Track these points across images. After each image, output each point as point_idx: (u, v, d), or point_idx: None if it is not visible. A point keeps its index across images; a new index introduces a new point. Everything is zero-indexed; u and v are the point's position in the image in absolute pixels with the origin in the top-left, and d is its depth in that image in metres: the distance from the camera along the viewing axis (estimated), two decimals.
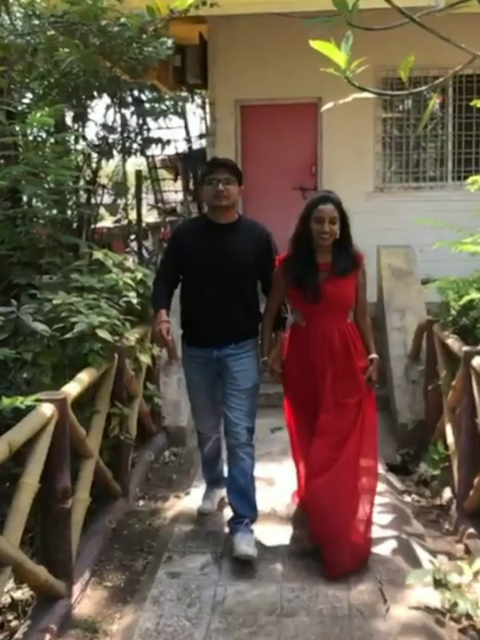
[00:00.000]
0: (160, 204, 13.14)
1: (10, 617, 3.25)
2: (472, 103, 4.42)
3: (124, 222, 10.68)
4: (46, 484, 3.16)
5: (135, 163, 13.37)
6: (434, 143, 9.42)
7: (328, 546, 3.64)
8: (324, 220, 3.57)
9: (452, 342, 4.60)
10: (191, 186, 15.50)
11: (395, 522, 4.15)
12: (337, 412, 3.68)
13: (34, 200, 5.78)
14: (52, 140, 5.32)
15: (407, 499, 4.67)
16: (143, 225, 11.33)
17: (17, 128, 4.93)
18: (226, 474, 4.14)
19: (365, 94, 2.37)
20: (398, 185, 9.24)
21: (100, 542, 3.93)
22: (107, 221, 10.47)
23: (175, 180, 16.90)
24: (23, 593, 3.39)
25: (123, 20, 5.39)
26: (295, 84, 8.60)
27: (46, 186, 4.78)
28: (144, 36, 5.74)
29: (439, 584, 3.38)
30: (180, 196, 16.54)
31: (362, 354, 3.77)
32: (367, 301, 3.89)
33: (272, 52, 8.55)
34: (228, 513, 4.06)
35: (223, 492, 4.23)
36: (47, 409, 3.17)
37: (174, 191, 16.93)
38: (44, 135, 5.36)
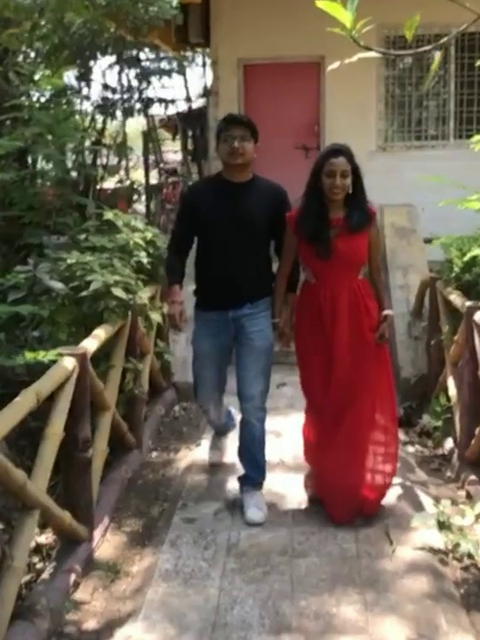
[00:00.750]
0: (161, 165, 13.12)
1: (35, 559, 3.42)
2: (477, 64, 4.46)
3: (126, 183, 10.72)
4: (68, 434, 3.31)
5: (136, 123, 13.37)
6: (436, 101, 9.44)
7: (338, 498, 3.75)
8: (336, 173, 3.46)
9: (455, 298, 4.73)
10: (190, 146, 15.50)
11: (399, 470, 4.30)
12: (348, 370, 3.65)
13: (41, 161, 5.86)
14: (61, 101, 5.36)
15: (410, 449, 4.85)
16: (140, 188, 11.39)
17: (25, 89, 4.97)
18: (231, 423, 4.36)
19: (370, 54, 2.38)
20: (400, 144, 9.28)
21: (118, 491, 4.11)
22: (109, 182, 10.51)
23: (173, 139, 16.84)
24: (46, 538, 3.56)
25: None
26: (298, 42, 8.59)
27: (55, 147, 4.85)
28: None
29: (442, 526, 3.57)
30: (178, 157, 16.53)
31: (372, 311, 3.71)
32: (379, 258, 3.84)
33: (275, 10, 8.52)
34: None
35: (226, 485, 4.19)
36: (69, 362, 3.31)
37: (173, 151, 16.89)
38: (50, 96, 5.40)
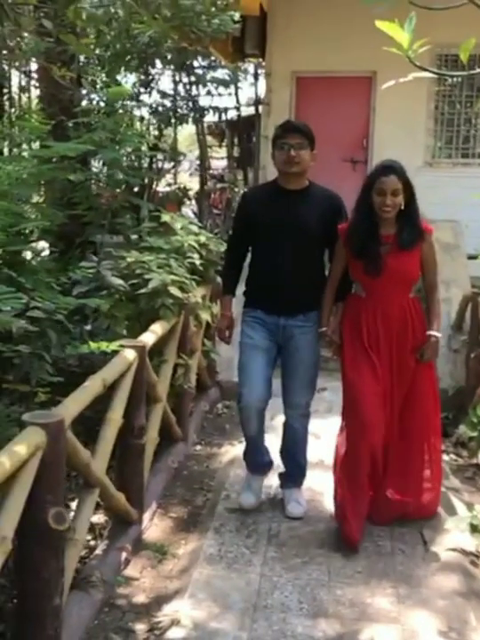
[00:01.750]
0: (210, 171, 13.41)
1: (88, 537, 3.65)
2: None
3: (174, 187, 11.01)
4: (126, 421, 3.54)
5: (187, 129, 13.68)
6: None
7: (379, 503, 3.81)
8: (386, 192, 3.42)
9: None
10: (236, 153, 15.77)
11: None
12: (392, 390, 3.65)
13: (98, 163, 6.16)
14: (125, 107, 5.62)
15: (446, 458, 4.98)
16: (192, 191, 11.67)
17: (92, 95, 5.25)
18: (269, 456, 4.10)
19: (424, 74, 2.41)
20: (447, 160, 9.40)
21: (164, 479, 4.33)
22: (159, 186, 10.81)
23: (220, 145, 17.15)
24: (99, 518, 3.80)
25: None
26: (351, 57, 8.77)
27: (121, 151, 5.11)
28: (213, 8, 6.00)
29: (475, 530, 3.72)
30: (223, 163, 16.82)
31: (420, 333, 3.64)
32: (436, 277, 3.71)
33: (329, 25, 8.73)
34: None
35: (267, 481, 4.11)
36: (130, 354, 3.54)
37: (219, 157, 17.18)
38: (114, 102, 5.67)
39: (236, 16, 6.19)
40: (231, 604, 3.17)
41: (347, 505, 3.66)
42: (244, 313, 3.94)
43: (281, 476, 4.14)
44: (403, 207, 3.49)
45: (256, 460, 4.09)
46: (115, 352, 3.56)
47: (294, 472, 4.09)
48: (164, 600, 3.25)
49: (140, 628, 3.05)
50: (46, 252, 6.28)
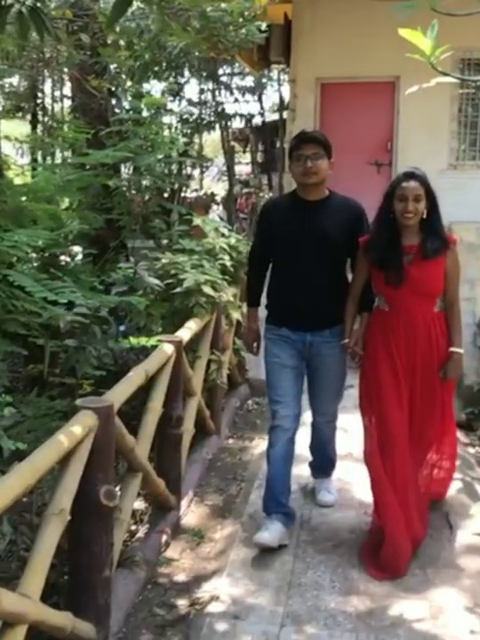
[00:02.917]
0: (236, 176, 13.66)
1: (130, 522, 3.86)
2: None
3: (201, 192, 11.26)
4: (164, 411, 3.75)
5: (214, 135, 13.95)
6: None
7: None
8: (408, 198, 3.34)
9: None
10: (260, 159, 16.00)
11: (460, 467, 4.61)
12: (414, 407, 3.56)
13: (129, 170, 6.40)
14: (158, 115, 5.86)
15: (471, 450, 5.14)
16: (219, 196, 11.93)
17: (130, 105, 5.48)
18: (292, 509, 3.84)
19: (447, 79, 2.49)
20: (471, 163, 9.52)
21: (200, 469, 4.54)
22: (187, 191, 11.06)
23: (244, 151, 17.38)
24: (139, 505, 4.00)
25: (224, 5, 5.86)
26: (374, 63, 8.95)
27: (155, 158, 5.34)
28: (240, 19, 6.21)
29: None
30: (247, 168, 17.07)
31: (444, 348, 3.53)
32: (458, 290, 3.61)
33: (353, 32, 8.90)
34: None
35: (285, 532, 3.67)
36: (168, 348, 3.75)
37: (245, 163, 17.43)
38: (151, 111, 5.90)
39: (263, 26, 6.39)
40: (267, 583, 3.36)
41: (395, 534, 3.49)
42: (268, 330, 3.83)
43: (311, 466, 4.26)
44: (425, 216, 3.42)
45: (278, 498, 3.71)
46: (145, 349, 3.77)
47: (324, 464, 4.22)
48: (203, 579, 3.45)
49: (182, 603, 3.26)
50: (80, 256, 6.53)
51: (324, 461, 4.20)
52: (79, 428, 2.56)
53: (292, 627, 3.04)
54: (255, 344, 4.00)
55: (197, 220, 5.55)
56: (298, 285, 3.67)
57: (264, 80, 10.95)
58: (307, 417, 4.39)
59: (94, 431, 2.66)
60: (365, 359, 3.68)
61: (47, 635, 2.56)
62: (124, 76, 6.95)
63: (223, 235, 5.62)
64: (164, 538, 3.69)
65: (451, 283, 3.54)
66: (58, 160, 7.55)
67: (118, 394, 3.04)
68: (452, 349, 3.52)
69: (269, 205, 4.11)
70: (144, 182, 5.68)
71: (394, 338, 3.52)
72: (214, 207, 11.04)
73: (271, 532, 3.58)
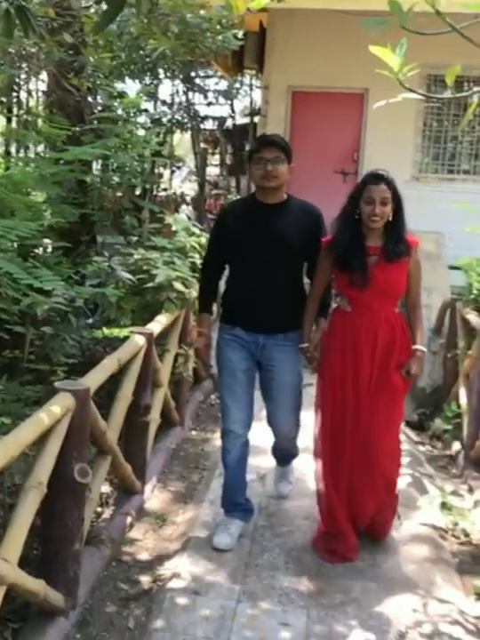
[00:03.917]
0: (208, 178, 13.86)
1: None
2: None
3: (170, 192, 11.42)
4: (134, 399, 3.93)
5: (183, 136, 14.14)
6: (470, 138, 10.03)
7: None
8: (375, 201, 3.34)
9: (472, 317, 5.31)
10: (229, 161, 16.24)
11: (411, 464, 4.88)
12: (370, 406, 3.54)
13: (100, 167, 6.58)
14: (136, 115, 6.04)
15: (421, 448, 5.42)
16: (188, 197, 12.10)
17: (108, 104, 5.65)
18: (250, 504, 3.94)
19: (413, 95, 2.63)
20: (434, 176, 9.87)
21: (164, 457, 4.73)
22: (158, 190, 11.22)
23: (213, 153, 17.60)
24: (106, 488, 4.17)
25: (202, 12, 6.07)
26: (345, 74, 9.23)
27: (131, 156, 5.52)
28: (218, 26, 6.42)
29: (445, 507, 4.14)
30: (217, 170, 17.29)
31: (406, 348, 3.55)
32: (420, 292, 3.66)
33: (326, 44, 9.20)
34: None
35: (245, 525, 3.84)
36: (140, 339, 3.94)
37: (214, 165, 17.64)
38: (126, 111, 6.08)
39: (240, 34, 6.60)
40: (225, 563, 3.56)
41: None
42: (222, 329, 3.79)
43: (273, 454, 4.20)
44: (390, 218, 3.43)
45: (235, 500, 3.83)
46: (111, 342, 3.96)
47: (285, 458, 4.24)
48: (165, 558, 3.64)
49: (145, 579, 3.45)
50: (49, 249, 6.67)
51: (286, 458, 4.24)
52: (58, 408, 2.74)
53: (248, 603, 3.25)
54: (206, 350, 4.04)
55: (170, 219, 5.74)
56: (254, 287, 3.63)
57: (237, 85, 11.18)
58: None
59: (72, 412, 2.84)
60: (322, 359, 3.67)
61: (21, 600, 2.74)
62: (101, 75, 7.11)
63: (194, 234, 5.81)
64: (129, 520, 3.87)
65: (413, 284, 3.58)
66: (31, 154, 7.65)
67: (93, 379, 3.23)
68: (416, 347, 3.55)
69: (227, 209, 4.04)
70: (115, 179, 5.85)
71: (354, 338, 3.52)
72: (183, 207, 11.22)
73: (232, 535, 3.71)
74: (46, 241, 6.33)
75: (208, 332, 3.94)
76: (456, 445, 5.29)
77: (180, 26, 6.24)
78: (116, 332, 3.97)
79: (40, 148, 8.13)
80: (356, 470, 3.60)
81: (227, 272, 3.86)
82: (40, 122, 7.22)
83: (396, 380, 3.53)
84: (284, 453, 4.16)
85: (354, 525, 3.71)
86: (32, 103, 8.42)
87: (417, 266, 3.57)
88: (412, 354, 3.54)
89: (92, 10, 6.14)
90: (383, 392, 3.54)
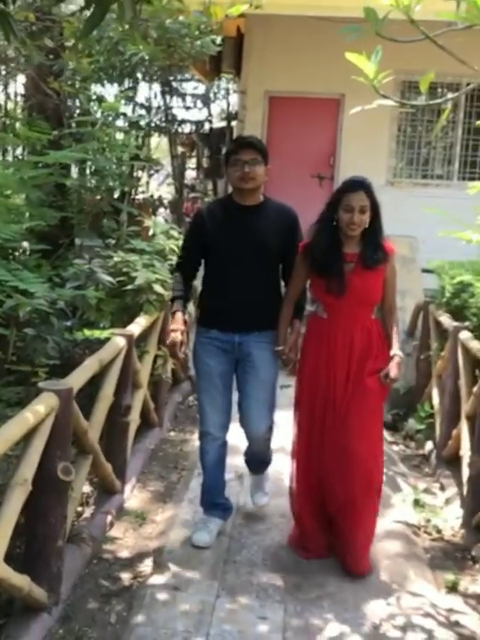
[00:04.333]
0: (186, 181, 13.93)
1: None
2: (479, 123, 5.17)
3: (148, 195, 11.46)
4: (115, 400, 3.99)
5: (161, 139, 14.19)
6: (443, 143, 10.23)
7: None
8: (354, 209, 3.34)
9: (444, 320, 5.45)
10: (205, 164, 16.32)
11: (385, 463, 4.95)
12: (346, 412, 3.52)
13: (77, 170, 6.65)
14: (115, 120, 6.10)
15: (395, 448, 5.54)
16: (166, 200, 12.15)
17: (86, 108, 5.71)
18: (229, 502, 4.01)
19: (388, 102, 2.65)
20: (408, 180, 10.05)
21: (143, 458, 4.80)
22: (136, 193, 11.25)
23: (190, 156, 17.67)
24: (86, 488, 4.23)
25: (181, 18, 6.15)
26: (321, 80, 9.38)
27: (111, 160, 5.58)
28: (197, 32, 6.51)
29: (417, 504, 4.26)
30: (193, 173, 17.35)
31: (383, 354, 3.55)
32: (396, 298, 3.68)
33: (302, 50, 9.33)
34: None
35: (223, 523, 3.92)
36: (120, 340, 4.01)
37: (191, 168, 17.70)
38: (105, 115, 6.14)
39: (218, 40, 6.70)
40: (204, 560, 3.65)
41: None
42: (198, 332, 3.82)
43: (247, 462, 4.15)
44: (367, 225, 3.43)
45: (214, 500, 3.91)
46: (90, 345, 4.03)
47: (260, 466, 4.14)
48: (146, 555, 3.71)
49: (126, 576, 3.52)
50: (27, 252, 6.70)
51: (259, 467, 4.16)
52: (42, 407, 2.80)
53: (227, 598, 3.33)
54: (180, 347, 3.76)
55: (149, 222, 5.80)
56: (231, 288, 3.66)
57: (214, 90, 11.30)
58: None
59: (56, 411, 2.90)
60: (300, 363, 3.69)
61: (5, 597, 2.80)
62: (79, 79, 7.16)
63: (173, 237, 5.88)
64: (109, 518, 3.94)
65: (389, 291, 3.58)
66: (9, 157, 7.68)
67: (76, 379, 3.29)
68: (394, 352, 3.55)
69: (204, 210, 3.95)
70: (93, 182, 5.91)
71: (330, 344, 3.52)
72: (161, 210, 11.26)
73: (211, 533, 3.79)
74: (25, 244, 6.39)
75: (182, 328, 3.74)
76: (429, 445, 5.41)
77: (160, 31, 6.32)
78: (96, 333, 4.03)
79: (18, 151, 8.16)
80: (331, 475, 3.58)
81: (201, 272, 3.86)
82: (18, 125, 7.26)
83: (372, 385, 3.52)
84: (257, 458, 4.05)
85: (326, 524, 3.73)
86: (11, 106, 8.43)
87: (393, 272, 3.58)
88: (390, 359, 3.53)
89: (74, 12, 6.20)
90: (360, 397, 3.51)
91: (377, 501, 3.65)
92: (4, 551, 2.56)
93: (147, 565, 3.59)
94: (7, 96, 8.73)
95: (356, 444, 3.50)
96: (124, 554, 3.73)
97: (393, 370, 3.51)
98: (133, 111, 7.37)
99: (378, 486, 3.65)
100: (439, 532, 4.14)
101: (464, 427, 4.51)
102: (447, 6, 2.56)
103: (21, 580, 2.71)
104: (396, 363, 3.53)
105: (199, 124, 10.93)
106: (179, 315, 3.73)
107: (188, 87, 11.55)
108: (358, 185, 3.40)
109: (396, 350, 3.56)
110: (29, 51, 5.82)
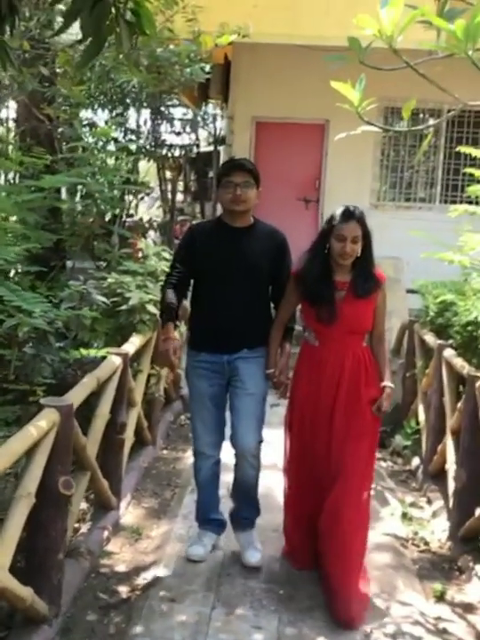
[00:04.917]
0: (170, 204, 14.06)
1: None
2: (459, 149, 5.36)
3: (137, 218, 11.61)
4: (111, 418, 4.10)
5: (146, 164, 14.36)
6: (425, 167, 10.47)
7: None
8: (346, 239, 3.36)
9: (429, 338, 5.60)
10: (193, 188, 16.51)
11: (373, 479, 5.11)
12: (340, 442, 3.51)
13: (67, 194, 6.80)
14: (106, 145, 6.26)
15: (383, 464, 5.66)
16: (155, 222, 12.30)
17: (79, 134, 5.86)
18: (223, 516, 4.01)
19: (372, 128, 2.84)
20: (391, 203, 10.27)
21: (137, 476, 4.89)
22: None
23: (177, 179, 17.83)
24: (83, 505, 4.31)
25: (171, 47, 6.34)
26: (306, 106, 9.61)
27: (104, 184, 5.72)
28: (186, 60, 6.70)
29: (405, 517, 4.38)
30: (180, 197, 17.52)
31: (374, 382, 3.54)
32: (385, 325, 3.67)
33: (288, 76, 9.57)
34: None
35: (218, 538, 4.00)
36: (116, 359, 4.12)
37: (179, 191, 17.86)
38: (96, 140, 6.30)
39: (207, 67, 6.89)
40: (200, 572, 3.74)
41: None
42: (189, 356, 3.86)
43: (233, 517, 4.00)
44: (358, 254, 3.45)
45: (208, 516, 3.96)
46: (83, 365, 4.14)
47: (248, 513, 3.98)
48: (142, 569, 3.81)
49: (123, 589, 3.61)
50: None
51: (248, 509, 3.98)
52: (44, 422, 2.91)
53: (223, 608, 3.43)
54: (174, 353, 3.64)
55: (141, 244, 5.94)
56: (220, 310, 3.67)
57: (203, 115, 11.53)
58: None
59: (57, 426, 3.01)
60: (292, 386, 3.71)
61: (6, 609, 2.88)
62: (70, 105, 7.32)
63: (165, 258, 6.01)
64: (106, 534, 4.03)
65: (379, 318, 3.59)
66: (1, 181, 7.80)
67: (75, 396, 3.40)
68: (385, 384, 3.53)
69: (195, 230, 3.95)
70: (82, 205, 6.04)
71: (320, 371, 3.53)
72: (151, 232, 11.41)
73: (205, 547, 3.88)
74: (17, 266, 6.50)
75: (174, 336, 3.66)
76: (415, 460, 5.54)
77: (151, 59, 6.51)
78: (92, 352, 4.14)
79: (10, 175, 8.29)
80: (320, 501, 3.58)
81: (191, 293, 3.87)
82: (11, 150, 7.40)
83: (364, 414, 3.51)
84: (245, 487, 3.92)
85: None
86: (3, 131, 8.56)
87: (384, 300, 3.59)
88: (381, 390, 3.53)
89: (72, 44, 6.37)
90: (352, 425, 3.50)
91: (365, 536, 3.63)
92: (10, 561, 2.65)
93: (144, 579, 3.68)
94: (0, 122, 8.86)
95: (348, 479, 3.47)
96: (122, 568, 3.82)
97: (385, 402, 3.52)
98: (124, 136, 7.51)
99: (366, 522, 3.64)
100: (427, 543, 4.26)
101: (449, 441, 4.64)
102: (428, 36, 2.72)
103: (25, 592, 2.80)
104: (388, 394, 3.54)
105: (187, 148, 11.12)
106: (169, 324, 3.65)
107: (177, 113, 11.76)
108: (351, 215, 3.42)
109: (386, 382, 3.56)
110: (23, 78, 5.97)
